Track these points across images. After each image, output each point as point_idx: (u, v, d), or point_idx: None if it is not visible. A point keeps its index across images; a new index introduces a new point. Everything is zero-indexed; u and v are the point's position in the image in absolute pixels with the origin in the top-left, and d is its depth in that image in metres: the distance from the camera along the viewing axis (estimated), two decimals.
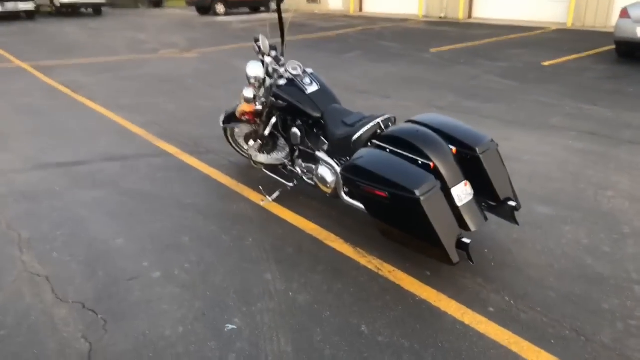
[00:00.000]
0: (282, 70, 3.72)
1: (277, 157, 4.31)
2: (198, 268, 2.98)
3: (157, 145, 5.12)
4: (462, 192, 2.88)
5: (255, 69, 3.81)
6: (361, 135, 3.15)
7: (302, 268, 2.96)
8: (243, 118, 3.95)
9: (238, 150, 4.55)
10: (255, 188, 4.07)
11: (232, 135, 4.46)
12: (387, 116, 3.26)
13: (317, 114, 3.51)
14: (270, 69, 3.72)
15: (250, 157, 4.02)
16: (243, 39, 12.76)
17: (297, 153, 3.83)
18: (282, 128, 3.89)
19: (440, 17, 16.05)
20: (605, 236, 3.25)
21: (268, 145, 4.17)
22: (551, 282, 2.78)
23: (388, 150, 3.00)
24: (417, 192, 2.63)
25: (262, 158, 4.30)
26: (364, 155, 2.99)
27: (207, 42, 12.57)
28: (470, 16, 15.66)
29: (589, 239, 3.22)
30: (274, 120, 3.86)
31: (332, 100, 3.61)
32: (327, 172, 3.41)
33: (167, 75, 8.66)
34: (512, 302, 2.63)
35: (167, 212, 3.70)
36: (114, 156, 4.86)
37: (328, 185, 3.42)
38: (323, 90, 3.63)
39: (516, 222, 3.02)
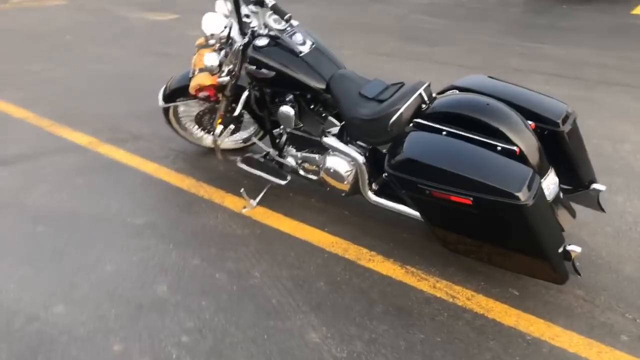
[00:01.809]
0: (254, 24, 2.65)
1: (243, 137, 3.31)
2: (204, 340, 1.99)
3: (59, 135, 3.75)
4: (551, 183, 2.18)
5: (215, 24, 2.69)
6: (402, 114, 2.26)
7: (354, 313, 2.11)
8: (200, 94, 2.83)
9: (185, 136, 3.40)
10: (222, 186, 3.05)
11: (176, 117, 3.30)
12: (426, 83, 2.39)
13: (320, 85, 2.54)
14: (243, 24, 2.62)
15: (216, 148, 2.93)
16: None
17: (284, 138, 2.85)
18: (258, 104, 2.87)
19: None
20: None
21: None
22: None
23: (444, 132, 2.18)
24: (522, 196, 1.87)
25: (227, 143, 3.26)
26: (420, 143, 2.13)
27: None
28: None
29: None
30: (245, 94, 2.80)
31: (335, 63, 2.64)
32: (343, 163, 2.51)
33: (34, 31, 6.78)
34: (637, 320, 2.04)
35: (115, 242, 2.57)
36: None
37: (345, 182, 2.53)
38: (320, 50, 2.65)
39: (603, 209, 2.41)
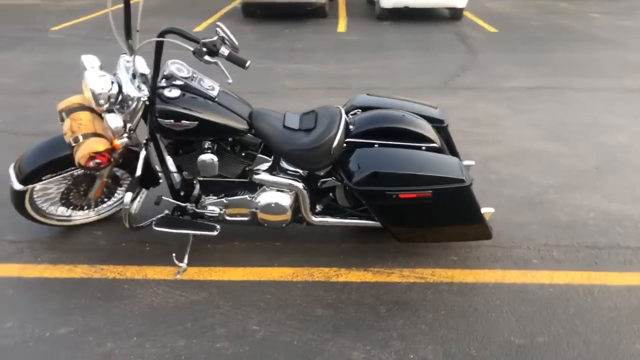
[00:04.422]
0: (144, 77, 2.46)
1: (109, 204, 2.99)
2: None
3: None
4: None
5: (101, 82, 2.37)
6: (339, 138, 2.51)
7: (368, 322, 2.28)
8: (91, 164, 2.43)
9: (45, 221, 2.81)
10: (127, 261, 2.71)
11: (32, 202, 2.69)
12: (342, 107, 2.70)
13: (243, 126, 2.54)
14: (144, 78, 2.40)
15: (124, 218, 2.54)
16: None
17: (197, 188, 2.72)
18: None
19: None
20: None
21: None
22: (517, 218, 3.11)
23: (376, 145, 2.55)
24: (466, 179, 2.41)
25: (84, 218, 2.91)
26: (375, 158, 2.46)
27: None
28: None
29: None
30: (144, 153, 2.56)
31: (245, 102, 2.69)
32: (282, 195, 2.61)
33: None
34: (531, 247, 2.83)
35: None
36: None
37: (288, 212, 2.62)
38: (228, 92, 2.66)
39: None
